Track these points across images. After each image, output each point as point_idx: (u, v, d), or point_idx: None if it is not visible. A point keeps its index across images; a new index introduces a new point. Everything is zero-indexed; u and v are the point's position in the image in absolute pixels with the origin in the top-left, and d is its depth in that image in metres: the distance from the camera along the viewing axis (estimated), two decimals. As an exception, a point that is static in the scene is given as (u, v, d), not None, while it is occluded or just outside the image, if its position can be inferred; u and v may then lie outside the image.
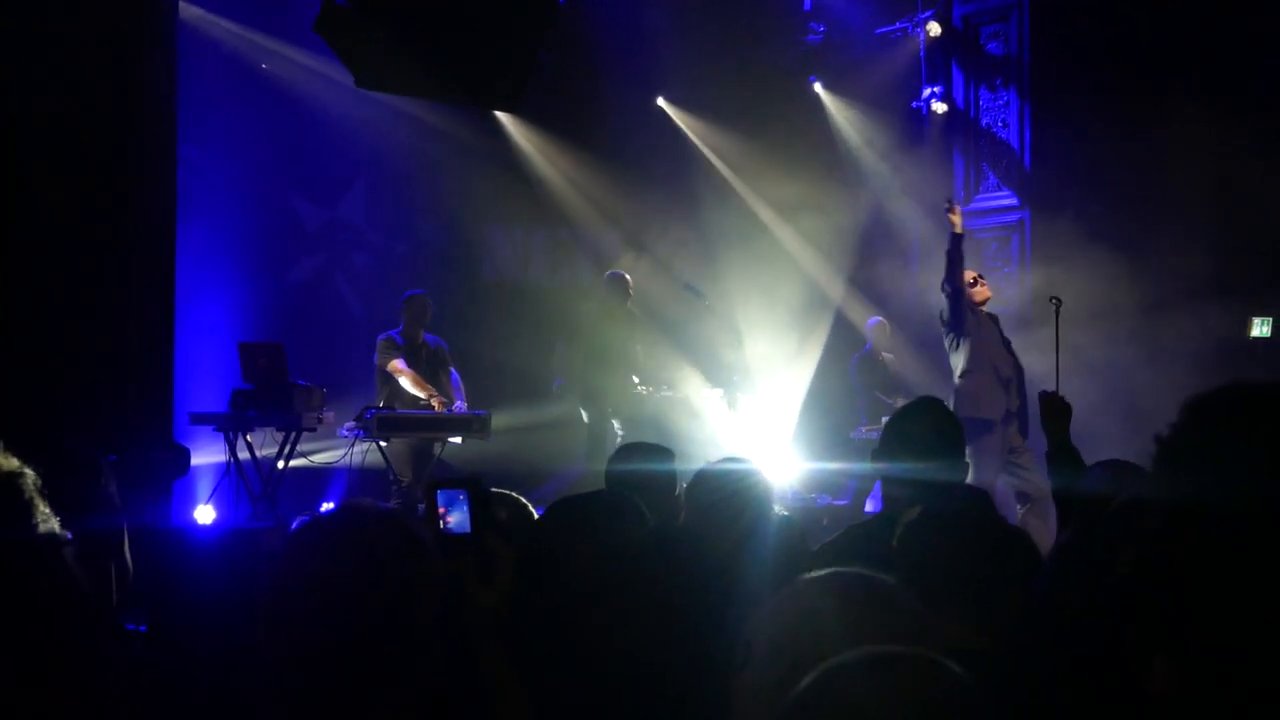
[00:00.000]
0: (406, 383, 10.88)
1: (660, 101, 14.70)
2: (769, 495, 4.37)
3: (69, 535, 2.13)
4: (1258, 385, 1.47)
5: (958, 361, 9.89)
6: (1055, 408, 5.10)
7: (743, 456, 4.71)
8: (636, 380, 11.74)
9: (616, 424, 11.75)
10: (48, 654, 1.94)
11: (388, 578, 2.18)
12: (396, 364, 10.94)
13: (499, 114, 13.40)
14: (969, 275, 9.89)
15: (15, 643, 1.89)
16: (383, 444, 10.57)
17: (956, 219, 9.76)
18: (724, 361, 12.10)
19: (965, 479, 4.35)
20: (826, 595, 1.89)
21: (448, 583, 2.33)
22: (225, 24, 12.46)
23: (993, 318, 10.09)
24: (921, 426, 4.35)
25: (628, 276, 12.10)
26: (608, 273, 12.30)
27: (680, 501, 5.01)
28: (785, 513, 4.95)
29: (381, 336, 11.13)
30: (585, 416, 11.83)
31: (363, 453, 10.79)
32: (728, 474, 4.34)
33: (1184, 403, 1.49)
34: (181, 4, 10.85)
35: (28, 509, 2.05)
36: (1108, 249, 11.60)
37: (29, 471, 2.11)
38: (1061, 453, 4.86)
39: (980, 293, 9.96)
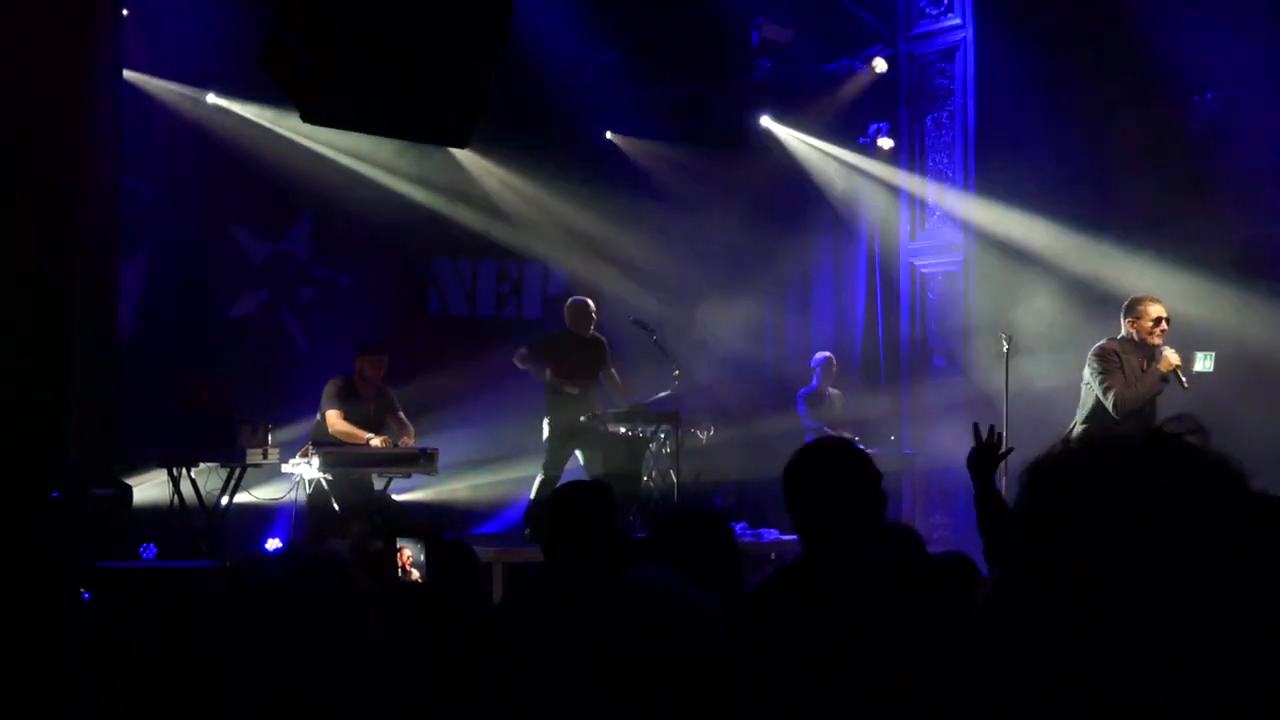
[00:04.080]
0: (341, 437, 10.76)
1: (609, 136, 14.74)
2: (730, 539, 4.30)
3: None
4: (1079, 448, 1.46)
5: None
6: (981, 447, 4.32)
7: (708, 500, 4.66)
8: (604, 414, 11.65)
9: (579, 453, 11.70)
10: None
11: (323, 623, 2.15)
12: (333, 416, 10.82)
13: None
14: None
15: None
16: (327, 478, 10.46)
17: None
18: (671, 396, 12.07)
19: (882, 518, 3.84)
20: None
21: (386, 633, 2.30)
22: (174, 49, 12.37)
23: None
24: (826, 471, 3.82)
25: (589, 303, 12.04)
26: (570, 299, 12.22)
27: (621, 535, 5.00)
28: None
29: (332, 380, 11.02)
30: (546, 431, 11.71)
31: (309, 489, 10.70)
32: (691, 515, 4.26)
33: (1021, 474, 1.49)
34: (129, 20, 10.82)
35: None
36: (1053, 282, 11.71)
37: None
38: (982, 505, 4.18)
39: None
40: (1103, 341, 8.99)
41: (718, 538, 4.19)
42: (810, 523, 3.64)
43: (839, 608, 2.95)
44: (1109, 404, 8.73)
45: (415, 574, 3.05)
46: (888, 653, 2.84)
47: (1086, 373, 8.97)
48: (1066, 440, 1.49)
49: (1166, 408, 8.96)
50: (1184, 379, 8.74)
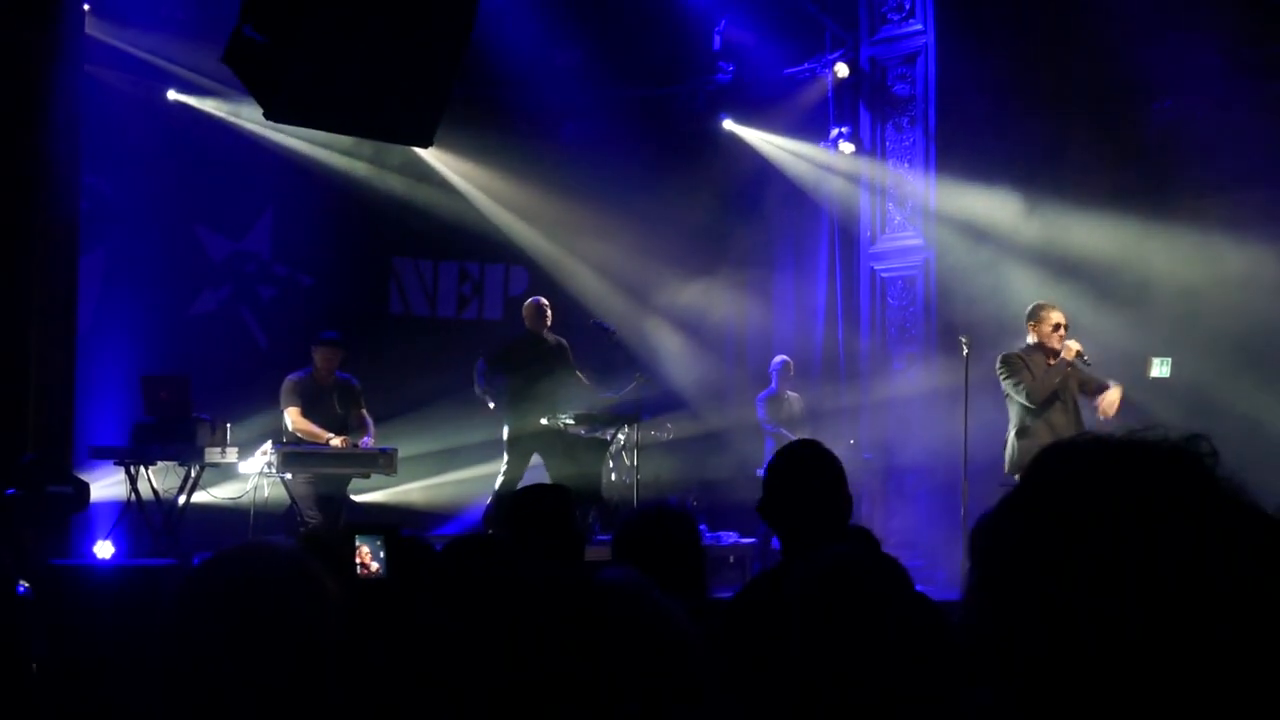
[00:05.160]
0: (301, 435, 10.70)
1: (573, 136, 14.73)
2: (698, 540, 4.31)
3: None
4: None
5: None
6: None
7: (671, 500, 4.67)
8: (564, 416, 11.60)
9: (540, 456, 11.67)
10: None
11: (285, 619, 2.14)
12: (293, 413, 10.75)
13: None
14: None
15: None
16: (286, 477, 10.40)
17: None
18: (632, 397, 12.08)
19: (848, 519, 4.18)
20: None
21: (348, 627, 2.30)
22: (134, 47, 12.30)
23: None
24: (802, 471, 4.17)
25: (544, 302, 12.00)
26: (527, 300, 12.19)
27: (582, 539, 5.02)
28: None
29: (289, 378, 10.93)
30: (505, 434, 11.67)
31: (267, 489, 10.65)
32: (656, 516, 4.26)
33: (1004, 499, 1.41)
34: (90, 18, 10.74)
35: None
36: (1013, 286, 11.79)
37: None
38: None
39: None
40: (1005, 351, 9.56)
41: (686, 538, 4.21)
42: (787, 523, 3.94)
43: (810, 612, 2.97)
44: (1022, 397, 9.32)
45: (375, 566, 3.04)
46: (862, 655, 2.86)
47: (1001, 381, 9.48)
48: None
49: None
50: (1086, 359, 9.34)
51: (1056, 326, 9.42)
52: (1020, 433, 9.41)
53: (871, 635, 2.85)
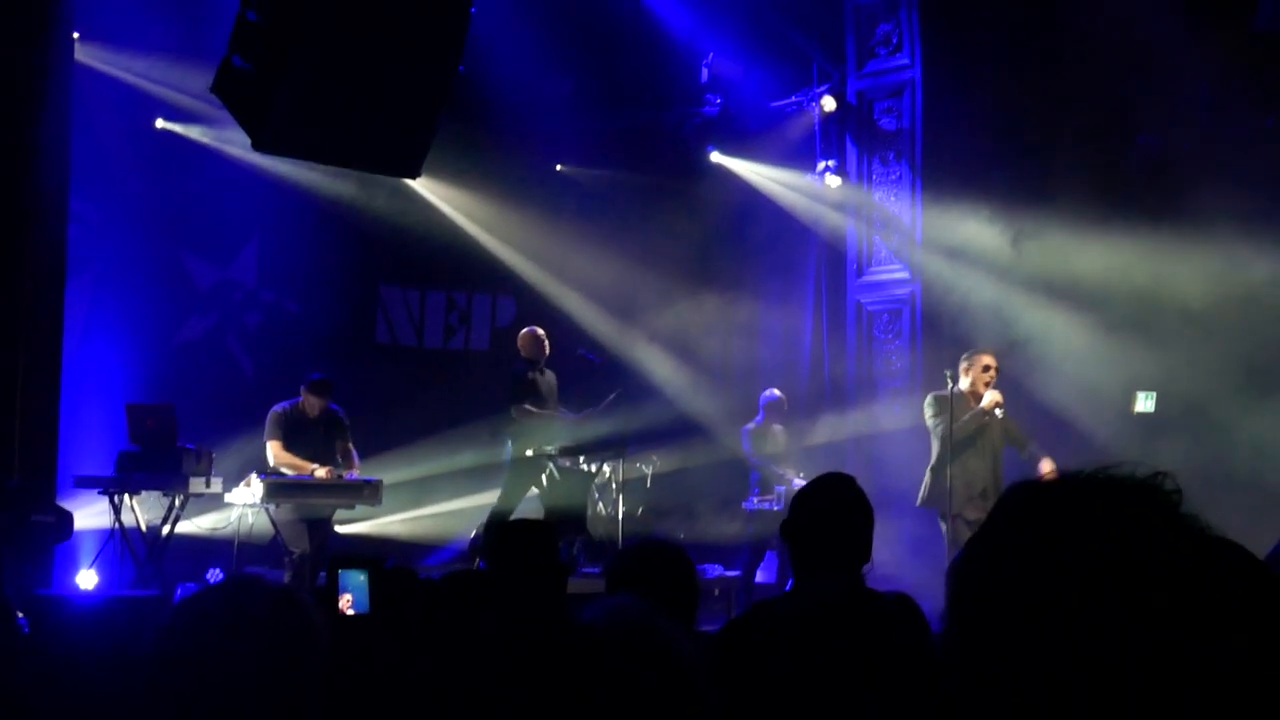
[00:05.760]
0: (286, 470, 10.60)
1: (560, 168, 14.77)
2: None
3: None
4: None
5: None
6: None
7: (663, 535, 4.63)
8: (549, 447, 11.57)
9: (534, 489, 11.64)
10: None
11: (273, 655, 2.14)
12: (275, 446, 10.64)
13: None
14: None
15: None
16: (270, 508, 10.32)
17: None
18: (618, 428, 12.07)
19: (862, 563, 4.20)
20: None
21: (335, 662, 2.29)
22: (123, 74, 12.30)
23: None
24: (829, 505, 4.23)
25: (540, 332, 11.95)
26: (524, 330, 12.11)
27: (565, 572, 5.00)
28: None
29: (275, 409, 10.84)
30: (507, 463, 11.62)
31: (251, 519, 10.59)
32: (648, 552, 4.24)
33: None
34: (79, 45, 10.73)
35: None
36: (999, 321, 11.83)
37: None
38: None
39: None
40: (936, 391, 10.19)
41: (680, 572, 4.19)
42: (801, 551, 3.95)
43: (794, 646, 2.97)
44: (937, 437, 9.97)
45: (352, 613, 3.04)
46: (845, 690, 2.85)
47: (925, 418, 10.17)
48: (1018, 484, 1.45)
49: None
50: (1000, 412, 9.94)
51: (986, 368, 9.99)
52: (935, 469, 9.98)
53: (862, 669, 2.85)
